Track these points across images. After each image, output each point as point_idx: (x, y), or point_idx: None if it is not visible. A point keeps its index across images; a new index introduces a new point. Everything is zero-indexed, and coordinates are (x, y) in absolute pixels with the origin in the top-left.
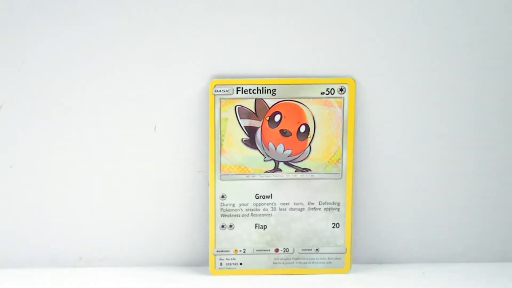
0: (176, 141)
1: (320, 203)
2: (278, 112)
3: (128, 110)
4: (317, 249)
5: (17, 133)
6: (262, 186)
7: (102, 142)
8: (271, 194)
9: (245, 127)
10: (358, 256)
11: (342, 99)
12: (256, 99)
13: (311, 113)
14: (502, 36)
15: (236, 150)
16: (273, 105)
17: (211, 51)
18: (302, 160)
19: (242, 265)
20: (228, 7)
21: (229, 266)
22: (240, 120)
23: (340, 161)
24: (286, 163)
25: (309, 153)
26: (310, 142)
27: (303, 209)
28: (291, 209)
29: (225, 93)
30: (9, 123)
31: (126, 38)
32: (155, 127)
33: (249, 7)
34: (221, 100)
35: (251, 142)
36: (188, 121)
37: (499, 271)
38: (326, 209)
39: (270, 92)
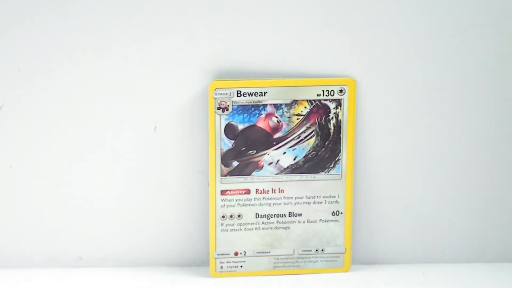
0: (176, 141)
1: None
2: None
3: (128, 110)
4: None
5: (17, 133)
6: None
7: (102, 142)
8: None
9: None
10: (358, 256)
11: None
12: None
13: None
14: (503, 36)
15: None
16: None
17: (211, 51)
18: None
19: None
20: (228, 7)
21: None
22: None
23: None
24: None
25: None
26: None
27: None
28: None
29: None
30: (9, 123)
31: (126, 38)
32: (155, 127)
33: (249, 7)
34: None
35: None
36: (188, 122)
37: (499, 271)
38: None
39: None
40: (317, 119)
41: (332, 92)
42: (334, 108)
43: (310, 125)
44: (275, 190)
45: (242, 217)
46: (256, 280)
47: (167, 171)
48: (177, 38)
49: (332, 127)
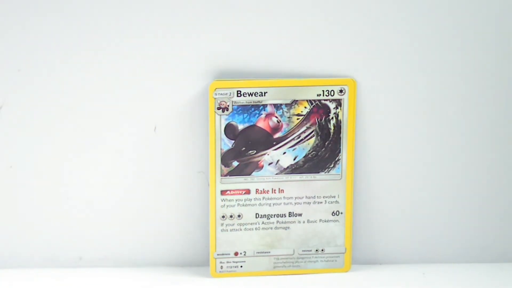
0: (176, 141)
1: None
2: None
3: (128, 110)
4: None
5: (17, 133)
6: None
7: (102, 142)
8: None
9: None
10: (358, 256)
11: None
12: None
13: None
14: (503, 36)
15: None
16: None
17: (211, 51)
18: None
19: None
20: (228, 7)
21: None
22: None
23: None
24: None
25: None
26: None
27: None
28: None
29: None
30: (9, 123)
31: (126, 38)
32: (155, 128)
33: (249, 7)
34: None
35: None
36: (188, 122)
37: (499, 271)
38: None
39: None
40: (317, 119)
41: (332, 92)
42: (334, 108)
43: (310, 125)
44: (275, 190)
45: (242, 217)
46: (256, 280)
47: (167, 171)
48: (177, 38)
49: (332, 127)
